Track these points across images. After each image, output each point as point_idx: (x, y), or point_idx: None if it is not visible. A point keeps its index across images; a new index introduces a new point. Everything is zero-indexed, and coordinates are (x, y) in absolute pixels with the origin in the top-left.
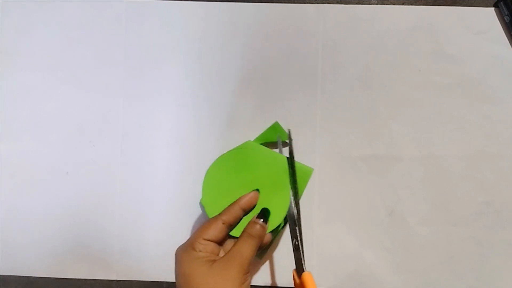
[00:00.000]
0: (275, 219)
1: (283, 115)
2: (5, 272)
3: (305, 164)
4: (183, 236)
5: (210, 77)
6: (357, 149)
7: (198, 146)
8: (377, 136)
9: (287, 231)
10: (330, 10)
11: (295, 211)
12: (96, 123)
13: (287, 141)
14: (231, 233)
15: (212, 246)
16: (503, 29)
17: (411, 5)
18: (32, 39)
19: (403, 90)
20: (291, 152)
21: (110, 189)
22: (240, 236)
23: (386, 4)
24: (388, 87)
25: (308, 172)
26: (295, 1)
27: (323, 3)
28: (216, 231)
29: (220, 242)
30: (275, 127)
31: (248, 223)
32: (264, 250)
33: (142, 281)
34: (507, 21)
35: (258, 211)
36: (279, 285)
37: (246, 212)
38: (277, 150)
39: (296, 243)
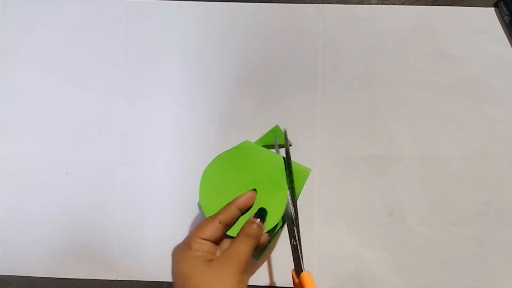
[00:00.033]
0: (272, 219)
1: (283, 115)
2: (5, 272)
3: (304, 164)
4: (183, 236)
5: (210, 77)
6: (357, 149)
7: (198, 146)
8: (377, 136)
9: (286, 231)
10: (330, 10)
11: (292, 211)
12: (96, 123)
13: (289, 144)
14: (228, 233)
15: (209, 245)
16: (503, 29)
17: (411, 5)
18: (32, 39)
19: (403, 90)
20: (287, 152)
21: (110, 189)
22: (237, 235)
23: (386, 4)
24: (388, 87)
25: (306, 173)
26: (295, 1)
27: (323, 3)
28: (212, 230)
29: (217, 242)
30: (276, 130)
31: (245, 223)
32: (261, 251)
33: (142, 281)
34: (507, 21)
35: (255, 211)
36: (279, 285)
37: (243, 211)
38: (274, 151)
39: (295, 243)
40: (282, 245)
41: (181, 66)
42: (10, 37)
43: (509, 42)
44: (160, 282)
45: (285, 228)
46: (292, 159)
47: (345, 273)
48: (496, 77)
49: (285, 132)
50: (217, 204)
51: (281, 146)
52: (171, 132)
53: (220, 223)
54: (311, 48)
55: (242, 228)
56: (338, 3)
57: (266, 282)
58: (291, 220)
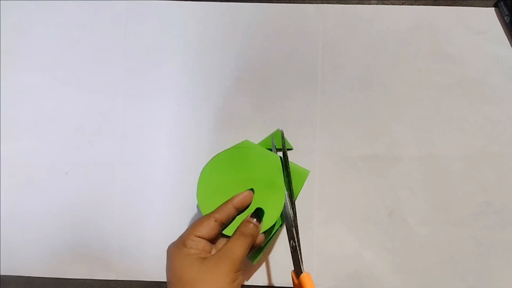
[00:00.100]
0: (269, 219)
1: (283, 115)
2: (5, 272)
3: (304, 165)
4: None
5: (210, 77)
6: (357, 149)
7: (197, 145)
8: (377, 136)
9: (285, 232)
10: (330, 10)
11: (291, 212)
12: (96, 123)
13: (290, 148)
14: (224, 232)
15: (204, 243)
16: (503, 29)
17: (411, 5)
18: (32, 39)
19: (403, 90)
20: (284, 153)
21: (110, 189)
22: (233, 234)
23: (386, 4)
24: (388, 87)
25: (304, 174)
26: (295, 1)
27: (323, 3)
28: (208, 228)
29: (212, 240)
30: (276, 134)
31: (242, 222)
32: (257, 254)
33: (141, 281)
34: (507, 21)
35: (252, 211)
36: (279, 285)
37: (240, 211)
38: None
39: (294, 244)
40: (282, 245)
41: (180, 66)
42: (10, 37)
43: (509, 42)
44: (160, 282)
45: (284, 229)
46: (292, 159)
47: (345, 273)
48: (496, 77)
49: (282, 132)
50: (214, 202)
51: (279, 150)
52: (170, 132)
53: (215, 221)
54: (311, 48)
55: (238, 227)
56: (338, 3)
57: (266, 282)
58: (290, 221)
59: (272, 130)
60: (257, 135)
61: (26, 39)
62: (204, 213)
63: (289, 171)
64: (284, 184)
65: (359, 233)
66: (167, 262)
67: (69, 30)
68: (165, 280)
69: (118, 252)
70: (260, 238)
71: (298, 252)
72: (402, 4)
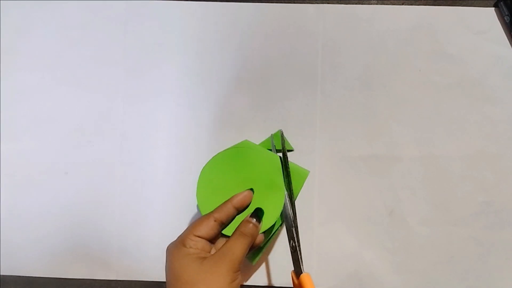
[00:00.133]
0: (269, 220)
1: (283, 115)
2: (5, 272)
3: (304, 165)
4: None
5: (210, 77)
6: (357, 149)
7: (197, 145)
8: (377, 136)
9: (285, 232)
10: (330, 10)
11: (291, 212)
12: (96, 123)
13: (291, 149)
14: (224, 232)
15: (203, 243)
16: (503, 29)
17: (411, 5)
18: (32, 39)
19: (403, 90)
20: (284, 153)
21: (109, 189)
22: (233, 234)
23: (386, 4)
24: (388, 87)
25: (304, 175)
26: (295, 1)
27: (323, 3)
28: (207, 228)
29: (212, 240)
30: (277, 135)
31: (241, 222)
32: (257, 254)
33: (142, 281)
34: (507, 21)
35: (252, 211)
36: (279, 285)
37: (239, 211)
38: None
39: (293, 244)
40: (282, 245)
41: (180, 66)
42: (10, 37)
43: (509, 42)
44: (160, 282)
45: (284, 229)
46: (292, 159)
47: (345, 273)
48: (496, 77)
49: (282, 133)
50: (214, 202)
51: (279, 151)
52: (170, 132)
53: (215, 221)
54: (311, 48)
55: (238, 227)
56: (338, 3)
57: (266, 282)
58: (289, 222)
59: (272, 130)
60: (257, 135)
61: (26, 39)
62: (203, 213)
63: (289, 171)
64: (284, 184)
65: (359, 233)
66: (166, 261)
67: (69, 30)
68: (165, 280)
69: (118, 252)
70: (260, 238)
71: (298, 252)
72: (402, 4)
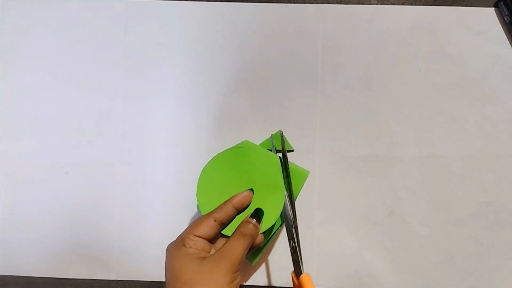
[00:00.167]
0: (269, 220)
1: (283, 115)
2: (5, 272)
3: (304, 165)
4: None
5: (210, 77)
6: (357, 149)
7: (197, 145)
8: (377, 136)
9: (285, 232)
10: (330, 10)
11: (290, 213)
12: (96, 123)
13: (291, 150)
14: (224, 232)
15: (203, 243)
16: (503, 29)
17: (411, 5)
18: (31, 39)
19: (403, 90)
20: (284, 154)
21: (109, 189)
22: (232, 234)
23: (386, 4)
24: (388, 87)
25: (304, 175)
26: (295, 1)
27: (323, 3)
28: (207, 227)
29: (212, 240)
30: (277, 135)
31: (241, 222)
32: (256, 255)
33: (142, 281)
34: (507, 21)
35: (252, 211)
36: (279, 285)
37: (239, 211)
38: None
39: (293, 245)
40: (283, 245)
41: (180, 66)
42: (10, 37)
43: (509, 42)
44: (160, 282)
45: (284, 230)
46: (292, 159)
47: (345, 273)
48: (496, 77)
49: (282, 133)
50: (214, 202)
51: (279, 151)
52: (170, 132)
53: (215, 221)
54: (311, 48)
55: (238, 227)
56: (338, 3)
57: (266, 282)
58: (289, 222)
59: (272, 130)
60: (257, 135)
61: (26, 39)
62: (203, 213)
63: (289, 172)
64: (284, 185)
65: (359, 233)
66: (166, 261)
67: (69, 30)
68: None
69: (118, 252)
70: (260, 238)
71: (298, 252)
72: (402, 4)
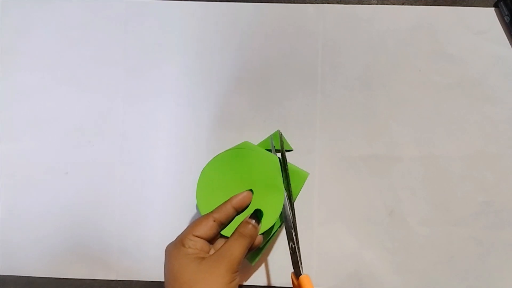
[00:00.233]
0: (268, 221)
1: (283, 115)
2: (5, 272)
3: (304, 165)
4: None
5: (210, 77)
6: (357, 149)
7: (197, 146)
8: (377, 136)
9: (284, 233)
10: (330, 10)
11: (290, 214)
12: (96, 123)
13: (290, 149)
14: (223, 233)
15: (202, 243)
16: (503, 29)
17: (411, 5)
18: (32, 39)
19: (403, 90)
20: (283, 155)
21: (109, 189)
22: (232, 235)
23: (386, 4)
24: (388, 87)
25: (304, 176)
26: (295, 1)
27: (323, 3)
28: (206, 228)
29: (211, 240)
30: (276, 135)
31: (240, 223)
32: (256, 255)
33: (142, 281)
34: (507, 21)
35: (251, 212)
36: (279, 285)
37: (239, 211)
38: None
39: (293, 246)
40: (282, 246)
41: (180, 66)
42: (10, 37)
43: (509, 42)
44: (160, 282)
45: (283, 230)
46: (291, 159)
47: (345, 273)
48: (496, 77)
49: (280, 133)
50: (213, 203)
51: (279, 151)
52: (170, 132)
53: (214, 221)
54: (311, 48)
55: (237, 228)
56: (338, 3)
57: (266, 282)
58: (289, 223)
59: (272, 130)
60: (257, 135)
61: (26, 39)
62: (203, 213)
63: (288, 173)
64: (283, 186)
65: (359, 233)
66: (165, 261)
67: (69, 30)
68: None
69: (118, 252)
70: (259, 239)
71: (298, 253)
72: (402, 4)
